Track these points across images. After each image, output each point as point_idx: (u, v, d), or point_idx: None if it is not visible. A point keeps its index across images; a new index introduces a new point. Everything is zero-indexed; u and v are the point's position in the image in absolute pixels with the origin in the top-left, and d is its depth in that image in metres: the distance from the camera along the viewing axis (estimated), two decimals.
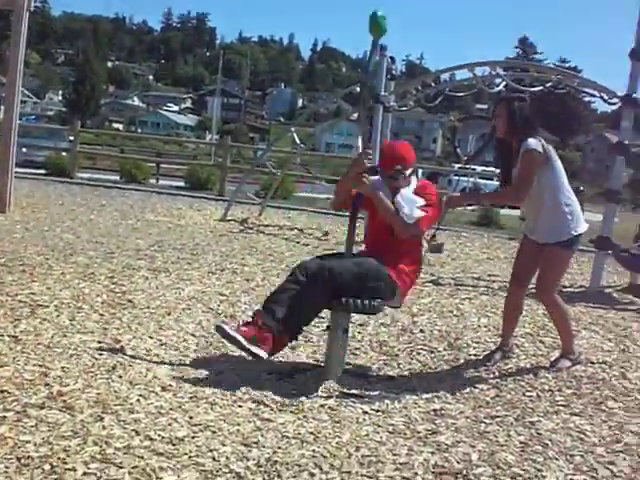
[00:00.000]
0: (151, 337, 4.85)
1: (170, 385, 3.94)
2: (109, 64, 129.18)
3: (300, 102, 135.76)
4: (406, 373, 4.72)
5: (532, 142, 4.48)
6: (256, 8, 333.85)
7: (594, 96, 9.44)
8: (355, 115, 15.04)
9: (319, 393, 4.10)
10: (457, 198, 4.89)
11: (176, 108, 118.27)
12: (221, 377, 4.25)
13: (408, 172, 4.45)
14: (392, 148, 4.62)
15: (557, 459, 3.33)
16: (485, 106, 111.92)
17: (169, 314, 5.42)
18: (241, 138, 68.16)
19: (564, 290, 7.92)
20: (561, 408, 4.03)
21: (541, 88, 9.62)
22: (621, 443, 3.57)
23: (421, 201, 4.35)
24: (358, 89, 10.01)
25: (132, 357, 4.37)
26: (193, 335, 5.04)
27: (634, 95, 8.11)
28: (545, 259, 4.64)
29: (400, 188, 4.41)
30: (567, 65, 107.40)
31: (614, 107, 9.00)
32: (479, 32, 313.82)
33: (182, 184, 18.83)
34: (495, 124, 4.72)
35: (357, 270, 4.21)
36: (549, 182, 4.54)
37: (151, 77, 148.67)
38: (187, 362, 4.49)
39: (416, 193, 4.40)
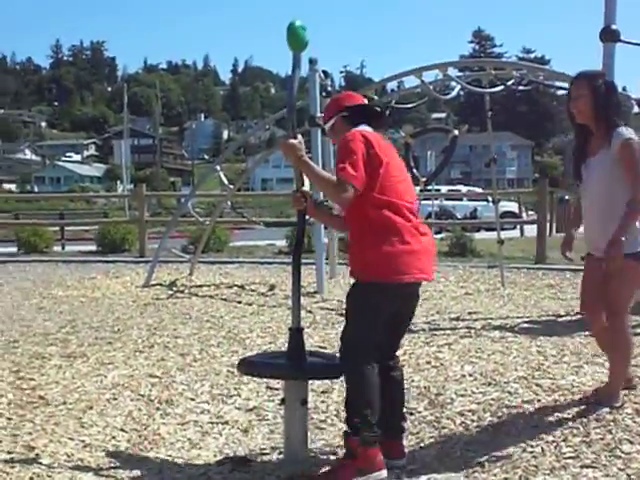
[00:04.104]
0: (72, 438, 4.76)
1: None
2: None
3: (225, 134, 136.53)
4: None
5: (624, 130, 4.47)
6: (159, 29, 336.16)
7: (564, 89, 9.65)
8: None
9: None
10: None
11: (78, 157, 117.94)
12: (161, 477, 4.19)
13: (327, 125, 4.43)
14: None
15: None
16: (443, 114, 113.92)
17: (91, 408, 5.33)
18: (160, 185, 68.09)
19: (559, 320, 8.03)
20: (569, 461, 4.05)
21: (502, 88, 9.85)
22: None
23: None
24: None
25: (51, 466, 4.29)
26: (123, 430, 4.97)
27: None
28: (617, 275, 4.49)
29: None
30: (532, 56, 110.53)
31: None
32: (427, 28, 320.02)
33: (94, 248, 18.66)
34: (571, 108, 4.65)
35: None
36: None
37: (44, 124, 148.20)
38: (118, 464, 4.42)
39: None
